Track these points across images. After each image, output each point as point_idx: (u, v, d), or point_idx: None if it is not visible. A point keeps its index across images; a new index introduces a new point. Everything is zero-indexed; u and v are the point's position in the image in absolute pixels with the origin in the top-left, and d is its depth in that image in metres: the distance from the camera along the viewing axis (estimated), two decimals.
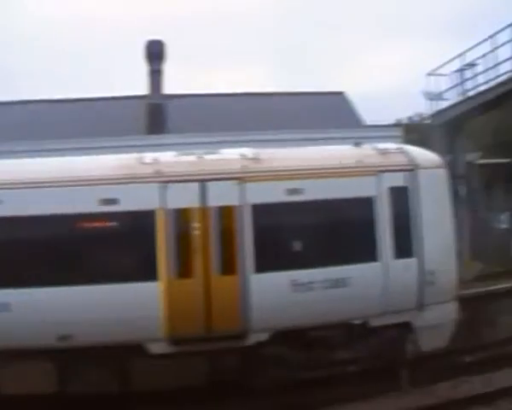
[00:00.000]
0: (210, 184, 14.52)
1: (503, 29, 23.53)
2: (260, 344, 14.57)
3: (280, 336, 14.64)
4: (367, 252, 15.30)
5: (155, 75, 32.36)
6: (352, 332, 15.23)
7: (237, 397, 14.72)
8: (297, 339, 14.84)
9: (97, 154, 16.01)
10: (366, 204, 15.41)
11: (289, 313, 14.42)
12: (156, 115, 31.35)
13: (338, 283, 14.73)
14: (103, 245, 14.36)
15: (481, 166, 31.16)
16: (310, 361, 15.06)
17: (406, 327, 15.55)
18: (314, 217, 15.35)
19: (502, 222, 33.60)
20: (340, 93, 36.75)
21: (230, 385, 14.82)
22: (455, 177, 24.17)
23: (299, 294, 14.49)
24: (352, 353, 15.35)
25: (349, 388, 15.14)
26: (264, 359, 14.74)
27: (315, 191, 14.99)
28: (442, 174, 16.43)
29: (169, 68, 32.24)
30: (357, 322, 15.22)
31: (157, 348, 14.14)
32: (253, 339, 14.51)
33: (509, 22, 23.13)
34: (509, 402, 14.59)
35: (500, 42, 23.85)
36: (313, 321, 14.71)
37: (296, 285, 14.48)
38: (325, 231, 15.37)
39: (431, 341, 15.83)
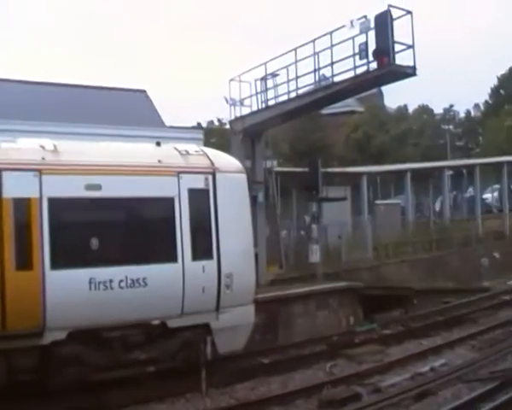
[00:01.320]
0: (6, 174, 13.80)
1: (305, 44, 24.26)
2: (57, 343, 14.07)
3: (77, 335, 14.23)
4: (166, 252, 15.32)
5: None
6: (150, 333, 15.14)
7: (32, 398, 14.05)
8: (94, 339, 14.49)
9: None
10: (165, 204, 15.45)
11: (87, 311, 14.07)
12: None
13: (136, 282, 14.58)
14: None
15: (279, 173, 32.00)
16: (107, 361, 14.74)
17: (204, 329, 15.66)
18: (113, 214, 15.17)
19: (299, 228, 34.79)
20: (142, 91, 36.65)
21: (27, 386, 14.14)
22: (254, 183, 24.67)
23: (97, 292, 14.17)
24: (150, 353, 15.22)
25: (146, 389, 15.00)
26: (61, 358, 14.22)
27: (114, 188, 14.78)
28: (242, 179, 16.79)
29: None
30: (155, 322, 15.15)
31: None
32: (49, 338, 13.99)
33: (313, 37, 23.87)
34: (306, 402, 15.03)
35: (302, 55, 24.59)
36: (111, 321, 14.45)
37: (94, 283, 14.14)
38: (124, 229, 15.22)
39: (229, 343, 16.09)
